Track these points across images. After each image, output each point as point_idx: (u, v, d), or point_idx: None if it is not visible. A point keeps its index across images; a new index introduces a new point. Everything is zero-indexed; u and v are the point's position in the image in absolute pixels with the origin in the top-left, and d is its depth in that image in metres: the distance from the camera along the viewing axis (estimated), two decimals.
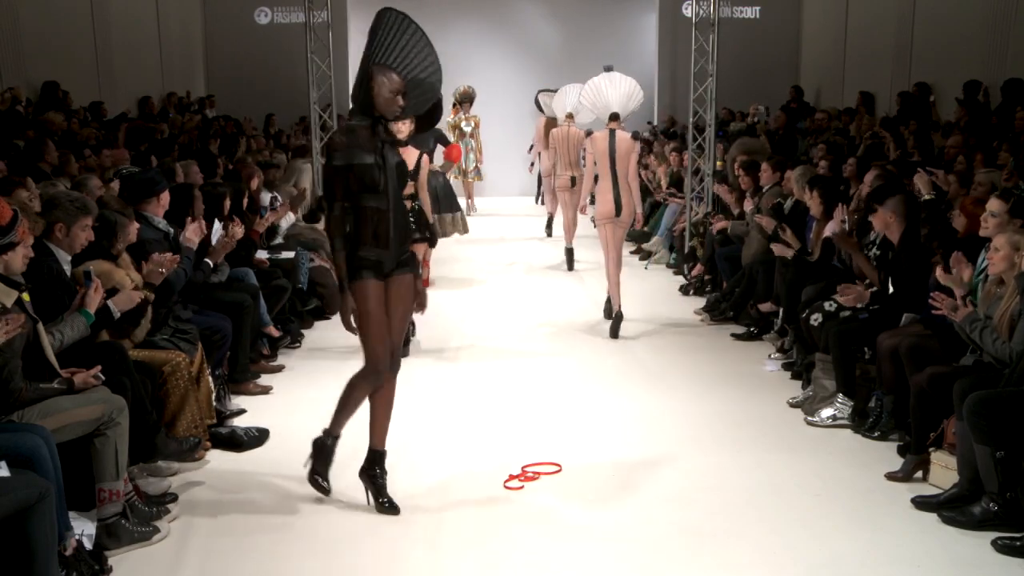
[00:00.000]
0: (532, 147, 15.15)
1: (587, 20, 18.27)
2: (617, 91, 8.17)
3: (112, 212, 5.25)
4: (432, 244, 7.34)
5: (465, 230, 10.58)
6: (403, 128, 5.91)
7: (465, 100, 15.70)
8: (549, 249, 12.36)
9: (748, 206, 8.62)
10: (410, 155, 7.11)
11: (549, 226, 13.48)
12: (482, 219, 15.35)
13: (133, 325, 5.11)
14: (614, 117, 8.06)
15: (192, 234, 5.97)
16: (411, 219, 6.16)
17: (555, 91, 12.83)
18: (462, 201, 14.14)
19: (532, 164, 15.48)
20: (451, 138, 15.02)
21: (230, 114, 15.39)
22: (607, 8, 18.28)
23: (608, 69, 8.54)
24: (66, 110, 11.36)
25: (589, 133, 8.33)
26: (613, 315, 7.97)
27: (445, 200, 10.24)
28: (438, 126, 8.12)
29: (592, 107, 8.43)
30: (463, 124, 15.84)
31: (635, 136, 8.11)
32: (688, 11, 13.93)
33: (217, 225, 6.60)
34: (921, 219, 5.95)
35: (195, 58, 17.62)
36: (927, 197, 6.54)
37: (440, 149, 10.89)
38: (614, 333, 7.82)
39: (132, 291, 5.02)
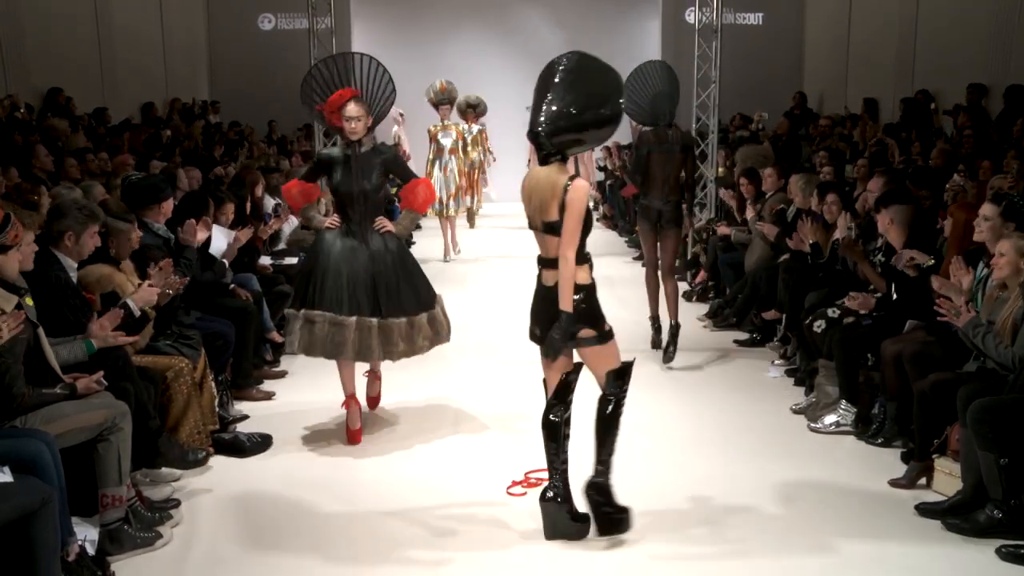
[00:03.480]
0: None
1: (590, 26, 18.27)
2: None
3: (112, 219, 5.24)
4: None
5: (439, 338, 5.81)
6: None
7: (444, 101, 11.91)
8: None
9: (749, 213, 8.61)
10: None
11: None
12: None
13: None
14: None
15: (190, 234, 5.97)
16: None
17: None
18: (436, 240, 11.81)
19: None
20: (423, 162, 12.12)
21: (233, 120, 15.41)
22: (610, 14, 18.29)
23: None
24: (70, 116, 11.39)
25: None
26: None
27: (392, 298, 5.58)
28: (395, 143, 6.13)
29: None
30: (440, 135, 11.92)
31: None
32: (691, 17, 13.96)
33: (223, 231, 6.61)
34: (924, 231, 5.90)
35: (199, 64, 17.66)
36: (928, 264, 6.09)
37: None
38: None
39: (148, 287, 5.03)
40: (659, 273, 7.39)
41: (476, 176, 12.73)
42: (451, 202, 11.84)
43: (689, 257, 10.33)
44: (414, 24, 18.04)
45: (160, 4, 15.85)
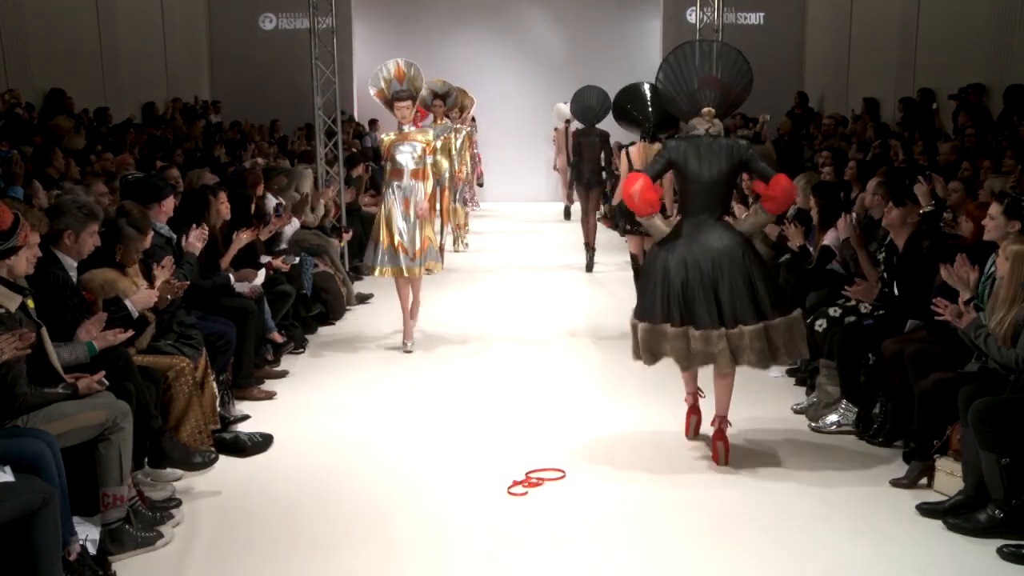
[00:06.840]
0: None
1: (591, 26, 18.28)
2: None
3: (118, 220, 5.24)
4: None
5: None
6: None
7: (402, 95, 7.42)
8: (556, 252, 12.36)
9: (742, 213, 8.58)
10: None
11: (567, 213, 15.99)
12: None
13: (130, 343, 5.09)
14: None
15: (195, 239, 5.98)
16: None
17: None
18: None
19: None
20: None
21: (233, 120, 15.41)
22: (611, 14, 18.29)
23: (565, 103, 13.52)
24: (69, 115, 11.38)
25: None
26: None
27: None
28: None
29: (560, 115, 14.86)
30: (397, 150, 7.47)
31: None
32: (692, 17, 13.99)
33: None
34: (922, 230, 5.90)
35: (200, 63, 17.65)
36: (926, 209, 6.38)
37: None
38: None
39: (148, 289, 5.04)
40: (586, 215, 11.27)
41: (447, 198, 9.88)
42: (418, 256, 7.50)
43: None
44: (415, 24, 18.05)
45: (161, 3, 15.85)
